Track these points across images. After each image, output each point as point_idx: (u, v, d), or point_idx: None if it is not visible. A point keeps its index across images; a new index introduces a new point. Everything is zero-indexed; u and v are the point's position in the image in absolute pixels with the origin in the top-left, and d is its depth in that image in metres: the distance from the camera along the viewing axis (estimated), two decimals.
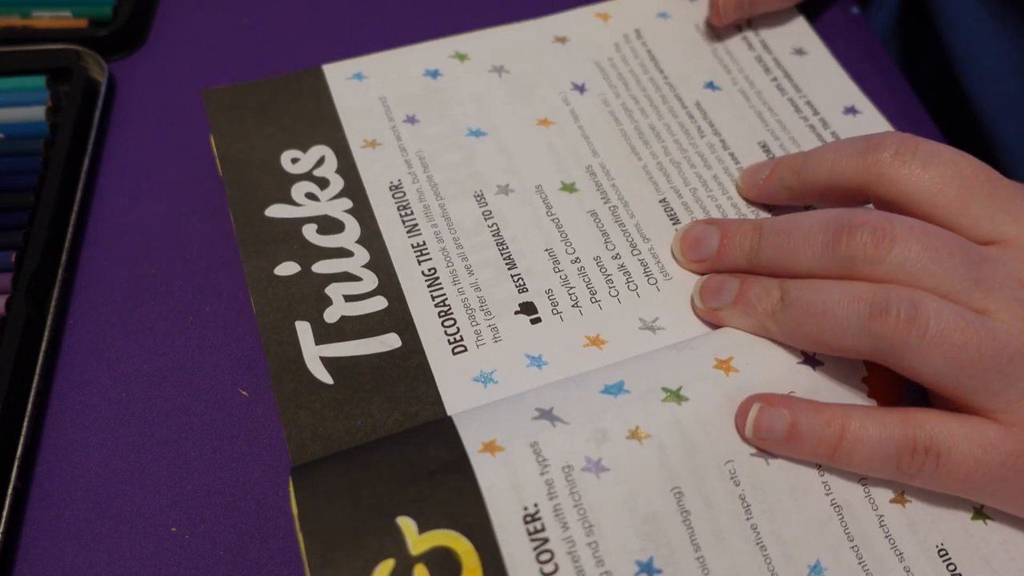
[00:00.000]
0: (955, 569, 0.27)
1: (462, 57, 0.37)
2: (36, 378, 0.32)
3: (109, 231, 0.37)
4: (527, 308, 0.30)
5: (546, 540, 0.25)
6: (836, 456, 0.27)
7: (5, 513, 0.29)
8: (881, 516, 0.27)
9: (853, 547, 0.26)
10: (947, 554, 0.27)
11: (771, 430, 0.27)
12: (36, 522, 0.30)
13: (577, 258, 0.32)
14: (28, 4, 0.42)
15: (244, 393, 0.33)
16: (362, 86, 0.36)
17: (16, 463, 0.30)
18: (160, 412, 0.32)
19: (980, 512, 0.28)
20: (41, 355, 0.33)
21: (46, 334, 0.33)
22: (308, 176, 0.34)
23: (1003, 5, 0.40)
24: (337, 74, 0.37)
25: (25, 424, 0.31)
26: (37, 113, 0.39)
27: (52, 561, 0.29)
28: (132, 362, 0.33)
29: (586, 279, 0.31)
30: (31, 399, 0.32)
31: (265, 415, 0.32)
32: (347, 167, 0.34)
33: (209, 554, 0.30)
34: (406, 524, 0.25)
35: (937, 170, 0.28)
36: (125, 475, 0.31)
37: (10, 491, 0.30)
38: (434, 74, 0.37)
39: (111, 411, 0.32)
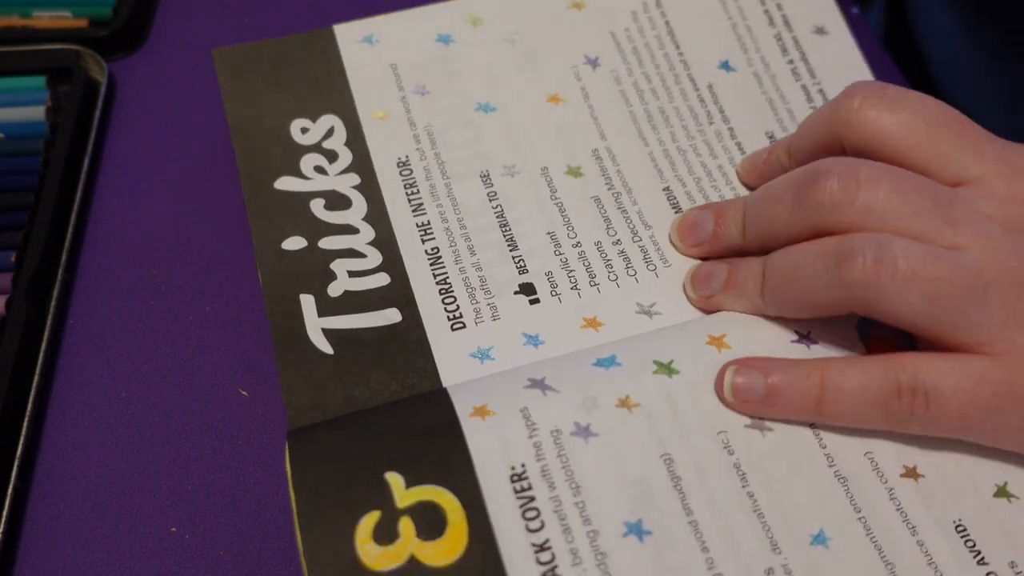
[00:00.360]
0: (974, 546, 0.26)
1: (476, 21, 0.37)
2: (36, 378, 0.32)
3: (109, 231, 0.37)
4: (526, 289, 0.31)
5: (532, 499, 0.26)
6: (822, 409, 0.26)
7: (5, 513, 0.29)
8: (891, 489, 0.27)
9: (860, 518, 0.26)
10: (965, 530, 0.26)
11: (750, 389, 0.27)
12: (36, 522, 0.30)
13: (578, 242, 0.32)
14: (28, 4, 0.42)
15: (244, 393, 0.33)
16: (373, 50, 0.36)
17: (16, 463, 0.30)
18: (160, 412, 0.32)
19: (1003, 489, 0.27)
20: (41, 355, 0.33)
21: (46, 334, 0.33)
22: (317, 148, 0.34)
23: (976, 11, 0.40)
24: (348, 35, 0.36)
25: (25, 424, 0.31)
26: (37, 113, 0.39)
27: (52, 561, 0.29)
28: (132, 362, 0.33)
29: (586, 263, 0.32)
30: (31, 399, 0.32)
31: (265, 415, 0.32)
32: (356, 140, 0.34)
33: (209, 554, 0.30)
34: (394, 479, 0.25)
35: (904, 112, 0.28)
36: (125, 475, 0.31)
37: (10, 491, 0.30)
38: (446, 40, 0.37)
39: (111, 411, 0.32)
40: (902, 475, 0.27)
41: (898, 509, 0.26)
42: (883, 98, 0.28)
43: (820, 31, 0.38)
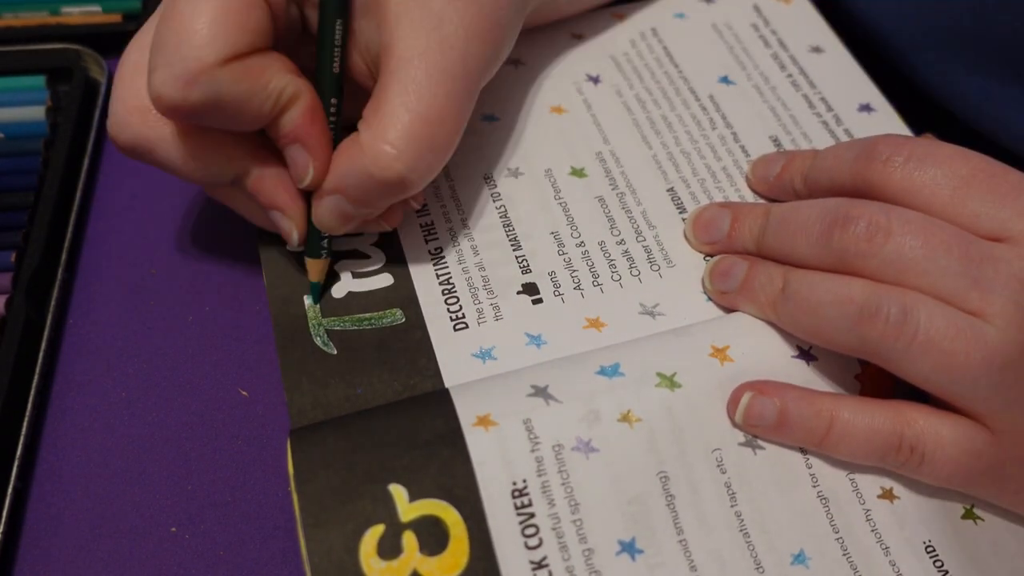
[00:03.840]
0: (942, 566, 0.27)
1: None
2: (36, 378, 0.32)
3: (109, 231, 0.37)
4: (529, 289, 0.31)
5: (532, 515, 0.26)
6: (824, 445, 0.27)
7: (5, 513, 0.29)
8: (868, 511, 0.27)
9: (838, 539, 0.27)
10: (935, 551, 0.27)
11: (761, 417, 0.27)
12: (36, 522, 0.30)
13: (582, 242, 0.32)
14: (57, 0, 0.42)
15: (244, 393, 0.33)
16: None
17: (16, 463, 0.30)
18: (160, 412, 0.32)
19: (970, 512, 0.28)
20: (41, 355, 0.33)
21: (46, 334, 0.33)
22: None
23: None
24: None
25: (25, 424, 0.31)
26: (37, 113, 0.39)
27: (52, 561, 0.29)
28: (132, 362, 0.33)
29: (589, 263, 0.32)
30: (31, 399, 0.32)
31: (265, 415, 0.32)
32: None
33: (209, 554, 0.30)
34: (397, 492, 0.26)
35: (928, 172, 0.27)
36: (125, 475, 0.31)
37: (10, 491, 0.30)
38: None
39: (111, 411, 0.32)
40: (879, 496, 0.28)
41: (873, 530, 0.27)
42: (908, 159, 0.27)
43: (816, 50, 0.38)
